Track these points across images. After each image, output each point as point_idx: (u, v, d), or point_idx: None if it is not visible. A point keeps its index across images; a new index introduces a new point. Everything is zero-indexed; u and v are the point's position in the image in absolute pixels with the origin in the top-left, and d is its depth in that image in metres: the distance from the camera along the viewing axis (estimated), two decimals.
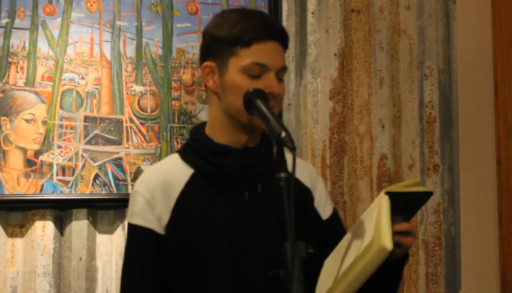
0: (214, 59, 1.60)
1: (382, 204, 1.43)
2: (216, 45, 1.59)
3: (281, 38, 1.61)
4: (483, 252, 2.71)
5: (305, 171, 1.72)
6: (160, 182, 1.60)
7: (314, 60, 2.75)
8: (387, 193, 1.44)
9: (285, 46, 1.63)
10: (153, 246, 1.58)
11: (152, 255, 1.58)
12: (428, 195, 1.52)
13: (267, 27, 1.59)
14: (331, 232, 1.71)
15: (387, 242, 1.36)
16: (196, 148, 1.63)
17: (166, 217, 1.58)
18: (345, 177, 2.72)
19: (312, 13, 2.76)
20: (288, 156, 1.38)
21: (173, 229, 1.57)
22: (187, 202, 1.58)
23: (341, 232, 1.72)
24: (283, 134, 1.39)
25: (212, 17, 1.68)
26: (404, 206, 1.48)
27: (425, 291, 2.73)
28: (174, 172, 1.62)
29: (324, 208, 1.73)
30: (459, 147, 2.78)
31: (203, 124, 1.68)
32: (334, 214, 1.76)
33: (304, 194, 1.69)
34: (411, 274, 2.74)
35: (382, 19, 2.81)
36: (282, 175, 1.37)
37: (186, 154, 1.65)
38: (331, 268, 1.53)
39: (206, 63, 1.61)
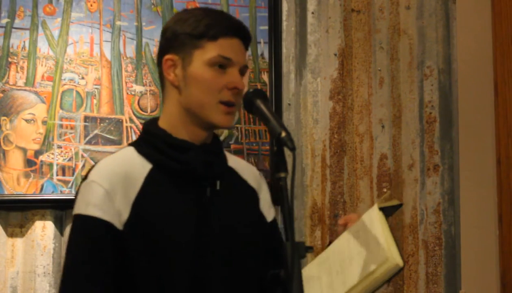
0: (176, 52, 1.59)
1: (382, 221, 1.52)
2: (180, 39, 1.59)
3: (245, 37, 1.62)
4: (483, 252, 2.71)
5: (250, 172, 1.74)
6: (121, 174, 1.53)
7: (314, 60, 2.75)
8: (380, 209, 1.55)
9: (246, 46, 1.64)
10: (109, 241, 1.49)
11: (107, 250, 1.49)
12: (400, 206, 1.66)
13: (233, 24, 1.60)
14: (273, 234, 1.75)
15: (400, 260, 1.46)
16: (152, 142, 1.59)
17: (125, 213, 1.50)
18: (345, 177, 2.73)
19: (312, 13, 2.76)
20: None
21: (134, 226, 1.50)
22: (149, 197, 1.53)
23: (280, 237, 1.77)
24: (283, 134, 1.39)
25: (174, 15, 1.68)
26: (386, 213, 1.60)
27: (425, 291, 2.73)
28: (132, 165, 1.56)
29: (268, 211, 1.75)
30: (459, 147, 2.78)
31: (156, 119, 1.65)
32: (275, 218, 1.78)
33: (251, 194, 1.71)
34: (411, 274, 2.74)
35: (382, 19, 2.81)
36: (282, 174, 1.37)
37: (142, 148, 1.59)
38: (323, 280, 1.56)
39: (168, 56, 1.60)
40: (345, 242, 1.56)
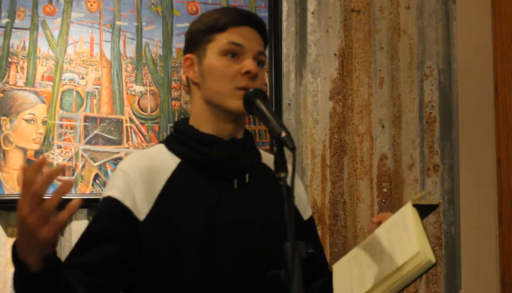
0: (193, 51, 1.65)
1: (415, 217, 1.50)
2: (194, 38, 1.64)
3: (256, 24, 1.64)
4: (483, 252, 2.71)
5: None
6: (147, 166, 1.57)
7: (314, 60, 2.75)
8: (414, 206, 1.53)
9: (262, 34, 1.65)
10: (123, 224, 1.52)
11: (120, 230, 1.52)
12: (436, 207, 1.64)
13: (241, 14, 1.63)
14: (309, 233, 1.74)
15: (432, 256, 1.42)
16: (181, 138, 1.63)
17: (147, 205, 1.53)
18: (345, 177, 2.72)
19: (312, 13, 2.76)
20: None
21: (156, 217, 1.53)
22: (175, 190, 1.56)
23: (317, 236, 1.79)
24: (283, 134, 1.39)
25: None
26: (420, 213, 1.57)
27: (425, 291, 2.73)
28: (161, 159, 1.60)
29: (305, 209, 1.76)
30: (459, 146, 2.78)
31: (187, 118, 1.69)
32: (312, 217, 1.79)
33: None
34: None
35: (382, 19, 2.81)
36: (282, 174, 1.37)
37: (172, 144, 1.64)
38: (353, 274, 1.54)
39: (187, 56, 1.66)
40: (377, 238, 1.55)
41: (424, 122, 2.79)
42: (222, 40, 1.59)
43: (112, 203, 1.54)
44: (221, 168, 1.59)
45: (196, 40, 1.63)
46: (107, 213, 1.55)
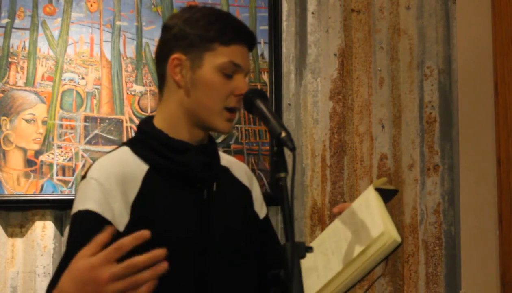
0: (184, 52, 1.57)
1: (378, 199, 1.49)
2: (189, 39, 1.56)
3: (252, 43, 1.63)
4: (483, 252, 2.71)
5: (242, 170, 1.74)
6: (119, 174, 1.50)
7: (314, 60, 2.75)
8: (376, 189, 1.53)
9: (251, 51, 1.65)
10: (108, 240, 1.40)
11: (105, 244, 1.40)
12: (396, 192, 1.65)
13: (244, 31, 1.60)
14: (266, 231, 1.74)
15: (397, 235, 1.42)
16: (148, 142, 1.57)
17: (126, 215, 1.48)
18: (345, 177, 2.72)
19: (312, 13, 2.76)
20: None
21: (133, 228, 1.39)
22: (148, 200, 1.51)
23: (273, 233, 1.77)
24: (283, 134, 1.39)
25: (180, 11, 1.64)
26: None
27: (425, 291, 2.73)
28: (129, 166, 1.54)
29: (260, 207, 1.75)
30: (459, 146, 2.78)
31: (150, 118, 1.63)
32: (267, 215, 1.78)
33: (244, 193, 1.71)
34: (411, 274, 2.74)
35: (382, 19, 2.81)
36: (282, 175, 1.37)
37: (138, 148, 1.57)
38: (318, 262, 1.53)
39: (175, 55, 1.57)
40: (340, 224, 1.54)
41: (424, 122, 2.79)
42: (223, 56, 1.55)
43: (91, 217, 1.45)
44: (192, 177, 1.56)
45: (191, 43, 1.56)
46: (88, 228, 1.41)
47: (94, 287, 1.21)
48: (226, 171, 1.69)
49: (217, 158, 1.66)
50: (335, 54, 2.76)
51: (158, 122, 1.60)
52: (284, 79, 2.70)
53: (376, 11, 2.80)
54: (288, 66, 2.72)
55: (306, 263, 1.54)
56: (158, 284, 1.44)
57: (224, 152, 1.84)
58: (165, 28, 1.63)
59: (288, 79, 2.71)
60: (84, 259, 1.23)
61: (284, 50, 2.71)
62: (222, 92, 1.55)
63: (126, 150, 1.59)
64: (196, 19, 1.58)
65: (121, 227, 1.47)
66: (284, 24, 2.73)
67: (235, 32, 1.57)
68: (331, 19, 2.77)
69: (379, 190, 1.54)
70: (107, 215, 1.46)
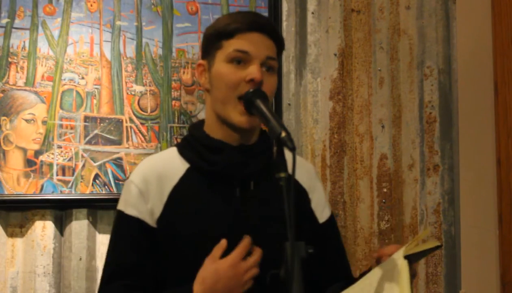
0: (205, 57, 1.66)
1: (403, 273, 1.46)
2: (206, 44, 1.65)
3: (266, 29, 1.61)
4: (483, 252, 2.71)
5: (304, 172, 1.72)
6: (155, 174, 1.62)
7: (314, 60, 2.75)
8: (406, 257, 1.47)
9: (274, 39, 1.62)
10: (144, 237, 1.59)
11: (143, 244, 1.59)
12: (438, 248, 1.54)
13: (250, 20, 1.61)
14: (326, 236, 1.73)
15: None
16: (192, 143, 1.65)
17: (158, 211, 1.60)
18: (345, 177, 2.72)
19: (312, 13, 2.76)
20: (289, 156, 1.38)
21: (165, 223, 1.59)
22: (180, 196, 1.60)
23: (335, 238, 1.76)
24: (283, 134, 1.39)
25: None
26: (414, 258, 1.52)
27: (425, 291, 2.73)
28: (170, 165, 1.64)
29: (321, 211, 1.73)
30: (459, 146, 2.78)
31: (202, 121, 1.70)
32: (331, 218, 1.76)
33: (300, 195, 1.69)
34: None
35: (382, 19, 2.81)
36: (282, 175, 1.37)
37: (183, 149, 1.67)
38: None
39: (200, 62, 1.67)
40: (369, 284, 1.53)
41: (424, 122, 2.79)
42: (229, 47, 1.59)
43: (129, 219, 1.61)
44: (224, 176, 1.60)
45: (207, 46, 1.64)
46: (128, 231, 1.61)
47: (236, 280, 1.48)
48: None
49: (262, 158, 1.64)
50: (335, 54, 2.76)
51: (205, 125, 1.68)
52: (284, 79, 2.70)
53: (376, 11, 2.80)
54: (288, 66, 2.72)
55: None
56: (183, 278, 1.52)
57: None
58: None
59: (288, 79, 2.71)
60: (221, 261, 1.49)
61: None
62: (231, 80, 1.57)
63: (173, 150, 1.69)
64: (211, 26, 1.66)
65: (155, 223, 1.60)
66: (284, 24, 2.73)
67: (240, 23, 1.59)
68: (331, 19, 2.77)
69: (411, 256, 1.48)
70: (142, 215, 1.60)
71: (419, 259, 1.57)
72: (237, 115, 1.57)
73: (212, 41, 1.62)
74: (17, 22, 2.53)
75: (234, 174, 1.60)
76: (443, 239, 2.75)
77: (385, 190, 2.74)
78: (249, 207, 1.60)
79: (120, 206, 1.65)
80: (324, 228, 1.73)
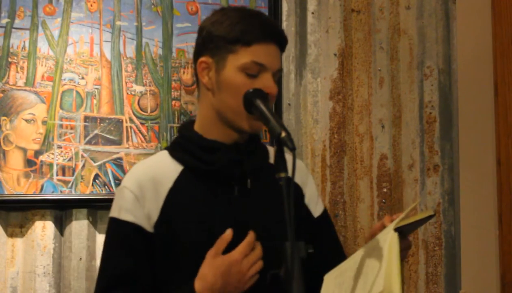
0: (211, 55, 1.59)
1: (392, 245, 1.44)
2: (215, 42, 1.58)
3: (280, 41, 1.61)
4: (483, 252, 2.71)
5: (296, 168, 1.72)
6: (149, 178, 1.59)
7: (314, 60, 2.75)
8: (396, 229, 1.45)
9: (282, 49, 1.63)
10: (141, 242, 1.56)
11: (140, 250, 1.57)
12: (430, 217, 1.52)
13: (268, 29, 1.59)
14: (322, 230, 1.73)
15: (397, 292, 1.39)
16: (184, 145, 1.63)
17: (155, 215, 1.57)
18: (345, 177, 2.72)
19: (312, 13, 2.76)
20: (288, 156, 1.38)
21: (162, 227, 1.56)
22: (177, 199, 1.58)
23: (331, 231, 1.76)
24: (283, 134, 1.39)
25: (211, 13, 1.66)
26: (407, 230, 1.51)
27: (425, 291, 2.73)
28: (163, 168, 1.61)
29: (315, 206, 1.74)
30: (459, 146, 2.78)
31: (192, 121, 1.67)
32: (325, 212, 1.77)
33: (295, 191, 1.68)
34: (411, 274, 2.74)
35: (382, 19, 2.81)
36: (282, 174, 1.37)
37: (175, 151, 1.64)
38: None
39: (202, 58, 1.60)
40: (360, 259, 1.52)
41: (424, 122, 2.79)
42: (245, 56, 1.55)
43: (125, 226, 1.58)
44: (222, 175, 1.59)
45: (216, 45, 1.58)
46: (124, 238, 1.58)
47: (238, 277, 1.46)
48: (272, 169, 1.68)
49: (257, 156, 1.64)
50: (335, 54, 2.76)
51: (196, 125, 1.65)
52: (284, 79, 2.70)
53: (376, 11, 2.80)
54: (288, 66, 2.72)
55: (327, 287, 1.55)
56: (190, 278, 1.50)
57: None
58: (198, 31, 1.66)
59: (288, 79, 2.71)
60: (223, 257, 1.47)
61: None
62: (244, 91, 1.55)
63: (164, 153, 1.66)
64: (222, 21, 1.59)
65: (151, 228, 1.57)
66: (284, 24, 2.73)
67: (258, 32, 1.56)
68: (331, 19, 2.77)
69: (402, 227, 1.47)
70: (138, 220, 1.57)
71: (413, 230, 1.55)
72: (248, 122, 1.56)
73: (224, 42, 1.57)
74: (17, 22, 2.53)
75: (232, 173, 1.59)
76: (443, 239, 2.75)
77: (385, 190, 2.74)
78: (248, 205, 1.59)
79: (114, 213, 1.61)
80: (319, 222, 1.73)
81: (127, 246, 1.57)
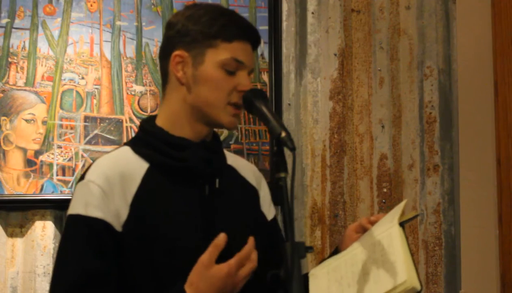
0: (186, 49, 1.56)
1: (402, 239, 1.46)
2: (192, 36, 1.56)
3: (256, 41, 1.62)
4: (483, 252, 2.71)
5: (249, 170, 1.73)
6: (117, 173, 1.50)
7: (314, 60, 2.75)
8: (400, 225, 1.48)
9: (255, 49, 1.64)
10: (110, 242, 1.47)
11: (109, 250, 1.47)
12: (416, 217, 1.68)
13: (247, 28, 1.60)
14: (273, 233, 1.73)
15: (418, 283, 1.41)
16: (149, 141, 1.57)
17: (124, 214, 1.48)
18: (345, 177, 2.72)
19: (312, 13, 2.76)
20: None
21: (133, 227, 1.48)
22: (146, 198, 1.51)
23: (280, 236, 1.73)
24: (283, 134, 1.39)
25: (184, 8, 1.63)
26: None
27: (425, 291, 2.73)
28: (129, 164, 1.54)
29: (268, 209, 1.74)
30: (459, 146, 2.78)
31: (153, 117, 1.63)
32: (275, 217, 1.77)
33: (251, 193, 1.70)
34: None
35: (382, 19, 2.81)
36: (282, 174, 1.37)
37: (138, 147, 1.57)
38: (332, 290, 1.52)
39: (177, 52, 1.57)
40: (359, 254, 1.51)
41: (424, 122, 2.79)
42: (225, 52, 1.54)
43: (93, 222, 1.47)
44: (193, 172, 1.55)
45: (194, 39, 1.55)
46: (93, 235, 1.47)
47: (232, 286, 1.43)
48: (232, 170, 1.68)
49: (221, 155, 1.65)
50: (335, 54, 2.76)
51: (160, 121, 1.60)
52: (284, 79, 2.70)
53: (376, 11, 2.80)
54: (288, 66, 2.72)
55: (319, 285, 1.54)
56: (154, 283, 1.45)
57: None
58: (169, 25, 1.62)
59: (288, 79, 2.71)
60: (218, 268, 1.42)
61: (284, 50, 2.71)
62: (224, 88, 1.54)
63: (126, 149, 1.59)
64: (199, 15, 1.57)
65: (120, 227, 1.48)
66: (284, 24, 2.73)
67: (238, 29, 1.56)
68: (331, 19, 2.77)
69: (403, 222, 1.50)
70: (107, 217, 1.47)
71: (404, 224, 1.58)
72: (228, 117, 1.55)
73: (203, 37, 1.55)
74: (17, 22, 2.53)
75: (203, 171, 1.56)
76: (443, 239, 2.75)
77: (385, 190, 2.74)
78: (218, 205, 1.57)
79: (78, 210, 1.48)
80: (271, 225, 1.73)
81: (95, 245, 1.45)
